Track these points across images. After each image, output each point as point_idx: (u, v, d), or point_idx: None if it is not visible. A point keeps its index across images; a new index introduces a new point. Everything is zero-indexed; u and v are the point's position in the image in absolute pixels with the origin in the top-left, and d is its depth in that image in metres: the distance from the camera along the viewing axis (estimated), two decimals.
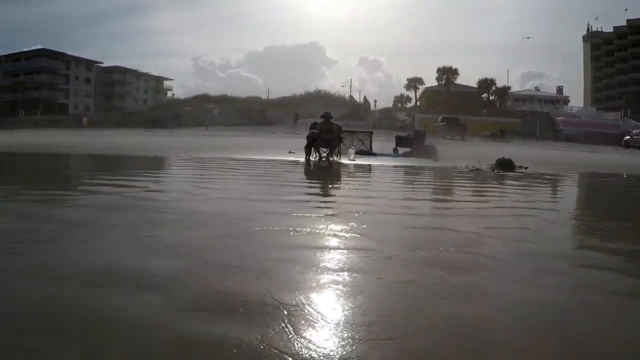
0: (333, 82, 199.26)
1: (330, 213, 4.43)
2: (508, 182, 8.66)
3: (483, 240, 3.48)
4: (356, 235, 3.49)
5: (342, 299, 2.19)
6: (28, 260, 2.68)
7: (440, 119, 42.84)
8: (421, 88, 64.58)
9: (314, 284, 2.37)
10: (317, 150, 13.12)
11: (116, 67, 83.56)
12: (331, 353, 1.65)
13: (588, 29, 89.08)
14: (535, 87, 74.15)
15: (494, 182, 8.63)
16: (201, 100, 61.20)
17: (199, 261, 2.75)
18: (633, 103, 63.86)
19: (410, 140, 18.67)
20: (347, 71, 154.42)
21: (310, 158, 12.84)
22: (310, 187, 7.05)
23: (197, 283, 2.36)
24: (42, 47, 74.79)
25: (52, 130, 41.86)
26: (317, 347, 1.69)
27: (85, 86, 79.31)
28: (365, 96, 61.28)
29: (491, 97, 63.44)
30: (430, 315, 2.02)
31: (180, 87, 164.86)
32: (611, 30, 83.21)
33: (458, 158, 15.34)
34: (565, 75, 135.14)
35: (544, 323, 1.96)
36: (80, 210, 4.43)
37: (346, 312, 2.03)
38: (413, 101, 65.79)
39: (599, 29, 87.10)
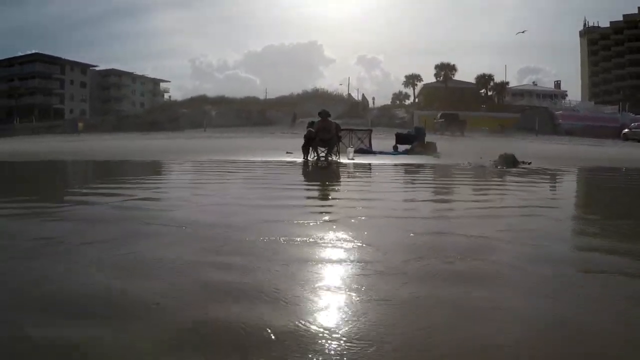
0: (331, 81, 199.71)
1: (328, 219, 4.11)
2: (513, 178, 8.35)
3: (494, 246, 3.18)
4: (357, 244, 3.18)
5: (344, 322, 1.88)
6: None
7: (439, 115, 42.64)
8: (419, 85, 64.40)
9: (313, 307, 2.06)
10: (315, 150, 12.77)
11: (112, 70, 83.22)
12: None
13: (585, 24, 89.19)
14: (533, 82, 74.04)
15: (498, 179, 8.34)
16: (198, 102, 60.89)
17: (184, 282, 2.43)
18: (630, 97, 63.85)
19: (410, 138, 18.38)
20: (345, 70, 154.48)
21: (308, 158, 12.51)
22: (307, 189, 6.74)
23: (181, 311, 2.03)
24: (36, 51, 74.34)
25: (46, 137, 41.59)
26: None
27: (80, 90, 78.92)
28: (363, 94, 61.11)
29: (489, 93, 63.24)
30: (450, 342, 1.72)
31: (178, 89, 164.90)
32: (608, 25, 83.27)
33: (459, 154, 15.07)
34: (563, 70, 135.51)
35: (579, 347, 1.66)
36: (60, 224, 4.10)
37: (351, 342, 1.72)
38: (412, 98, 65.60)
39: (596, 24, 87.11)
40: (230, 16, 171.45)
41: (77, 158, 15.44)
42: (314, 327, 1.85)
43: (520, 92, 66.37)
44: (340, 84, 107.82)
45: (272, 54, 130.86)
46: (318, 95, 58.40)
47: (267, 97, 63.75)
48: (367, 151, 16.56)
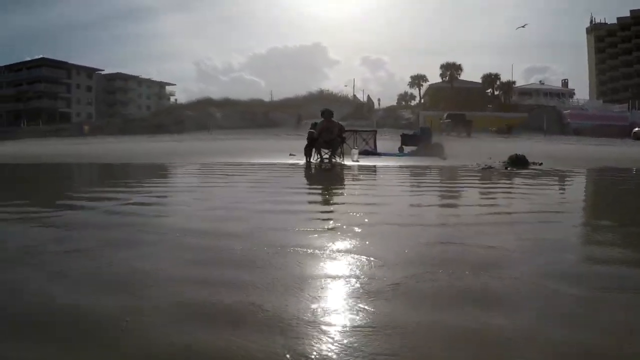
0: (336, 83, 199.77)
1: (329, 227, 3.81)
2: (524, 181, 8.02)
3: (510, 258, 2.87)
4: (357, 257, 2.88)
5: (336, 355, 1.59)
6: None
7: (445, 115, 42.31)
8: (425, 85, 63.98)
9: (305, 335, 1.77)
10: (318, 152, 12.42)
11: (117, 74, 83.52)
12: None
13: (591, 21, 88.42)
14: (540, 81, 73.43)
15: (509, 181, 8.00)
16: (203, 105, 60.96)
17: (162, 299, 2.15)
18: (638, 94, 63.09)
19: (416, 139, 18.04)
20: (350, 71, 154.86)
21: (311, 160, 12.19)
22: (308, 194, 6.43)
23: (149, 334, 1.74)
24: (43, 56, 74.78)
25: (53, 140, 41.60)
26: None
27: (86, 94, 79.30)
28: (369, 95, 60.80)
29: (496, 92, 62.76)
30: None
31: (184, 92, 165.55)
32: (615, 21, 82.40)
33: (467, 156, 14.73)
34: (569, 68, 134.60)
35: None
36: (44, 231, 3.84)
37: None
38: (417, 99, 65.21)
39: (603, 21, 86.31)
40: (234, 19, 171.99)
41: (79, 161, 15.26)
42: None
43: (527, 92, 65.79)
44: (345, 86, 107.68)
45: (277, 56, 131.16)
46: (323, 97, 58.23)
47: (272, 100, 63.67)
48: (372, 153, 16.26)
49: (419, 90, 64.87)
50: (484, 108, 54.77)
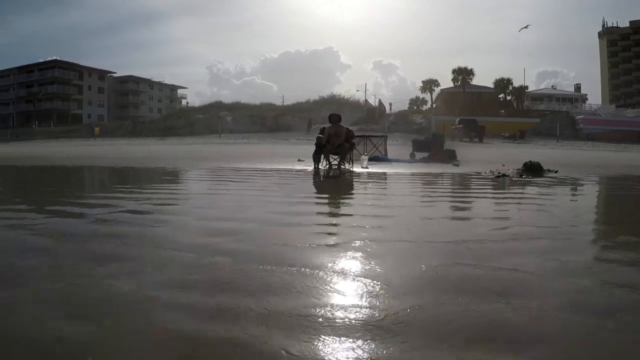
0: (348, 87, 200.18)
1: (332, 242, 3.48)
2: (541, 190, 7.63)
3: (533, 284, 2.52)
4: (363, 280, 2.55)
5: None
6: None
7: (457, 121, 41.85)
8: (437, 90, 63.49)
9: None
10: (327, 158, 12.05)
11: (129, 76, 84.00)
12: None
13: (603, 25, 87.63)
14: (552, 86, 72.79)
15: (525, 191, 7.61)
16: (214, 108, 61.03)
17: (134, 330, 1.86)
18: None
19: (428, 144, 17.64)
20: (361, 76, 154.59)
21: (320, 167, 11.85)
22: (313, 203, 6.06)
23: None
24: (55, 58, 75.35)
25: (62, 141, 41.73)
26: None
27: (98, 96, 79.80)
28: (380, 100, 60.42)
29: (508, 97, 62.14)
30: None
31: (196, 96, 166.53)
32: (627, 25, 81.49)
33: (479, 162, 14.36)
34: (582, 73, 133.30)
35: None
36: (24, 240, 3.55)
37: None
38: (429, 104, 64.73)
39: (615, 24, 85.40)
40: (246, 23, 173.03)
41: (83, 163, 15.07)
42: None
43: (539, 97, 65.11)
44: (357, 90, 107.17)
45: (289, 60, 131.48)
46: (334, 102, 58.01)
47: (283, 104, 63.57)
48: (383, 159, 15.88)
49: (431, 95, 64.42)
50: (496, 113, 54.20)
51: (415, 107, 64.89)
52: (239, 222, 4.37)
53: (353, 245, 3.36)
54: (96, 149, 29.32)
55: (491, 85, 61.46)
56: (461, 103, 55.34)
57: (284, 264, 2.82)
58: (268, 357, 1.65)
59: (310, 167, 11.92)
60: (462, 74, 59.62)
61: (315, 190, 8.12)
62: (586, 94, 68.38)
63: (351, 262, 2.92)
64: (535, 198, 6.69)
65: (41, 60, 76.87)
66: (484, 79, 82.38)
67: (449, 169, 12.87)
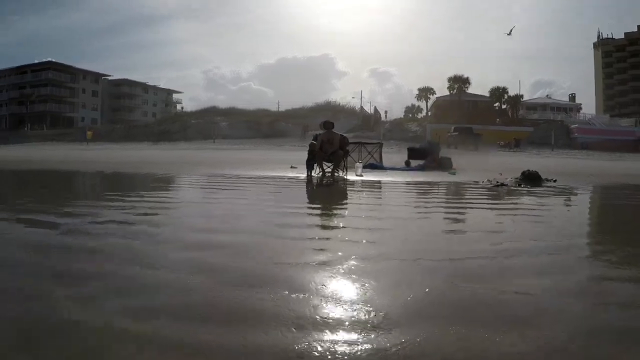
0: (344, 94, 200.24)
1: (321, 260, 3.16)
2: (541, 201, 7.35)
3: (547, 310, 2.23)
4: (355, 306, 2.25)
5: None
6: None
7: (452, 129, 41.80)
8: (432, 98, 63.61)
9: None
10: (320, 165, 11.70)
11: (124, 79, 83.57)
12: None
13: (599, 36, 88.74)
14: (547, 95, 73.39)
15: (525, 202, 7.31)
16: (209, 113, 60.78)
17: None
18: None
19: (423, 152, 17.35)
20: (358, 83, 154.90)
21: (313, 174, 11.53)
22: (303, 214, 5.71)
23: None
24: (49, 59, 74.72)
25: (54, 144, 41.29)
26: None
27: (92, 99, 79.26)
28: (375, 107, 60.30)
29: (504, 106, 62.39)
30: None
31: (192, 100, 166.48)
32: (622, 36, 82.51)
33: (476, 171, 14.12)
34: (576, 83, 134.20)
35: None
36: None
37: None
38: (424, 111, 64.87)
39: (610, 36, 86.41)
40: (244, 29, 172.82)
41: (70, 168, 14.73)
42: None
43: (534, 106, 65.65)
44: (353, 97, 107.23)
45: (286, 66, 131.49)
46: (330, 108, 57.90)
47: (279, 110, 63.43)
48: (378, 166, 15.61)
49: (426, 103, 64.56)
50: (491, 122, 54.25)
51: (410, 115, 64.98)
52: (222, 234, 4.06)
53: (345, 263, 3.06)
54: (88, 153, 28.96)
55: (487, 94, 61.61)
56: (457, 111, 55.32)
57: (268, 285, 2.52)
58: None
59: (303, 175, 11.61)
60: (458, 82, 59.81)
61: (306, 200, 7.80)
62: (580, 104, 69.04)
63: (343, 284, 2.63)
64: (537, 209, 6.40)
65: (38, 61, 76.20)
66: (479, 87, 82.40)
67: (445, 177, 12.58)
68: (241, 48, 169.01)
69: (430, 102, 64.31)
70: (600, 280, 2.82)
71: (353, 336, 1.91)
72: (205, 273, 2.77)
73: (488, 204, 7.20)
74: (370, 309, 2.21)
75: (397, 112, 68.97)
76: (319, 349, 1.79)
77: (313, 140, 12.03)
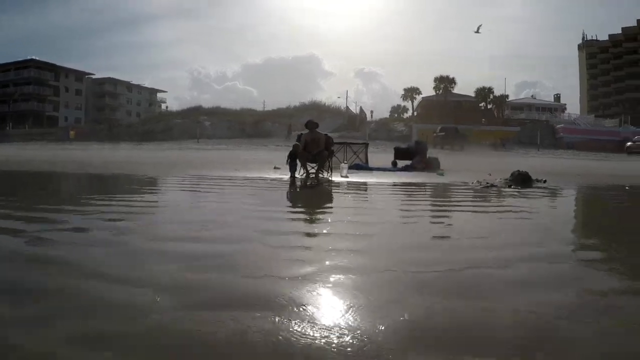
0: (329, 94, 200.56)
1: (302, 272, 2.83)
2: (534, 203, 7.12)
3: (558, 330, 1.96)
4: (336, 331, 1.93)
5: None
6: None
7: (439, 129, 41.73)
8: (418, 98, 63.71)
9: None
10: (304, 166, 11.36)
11: (108, 78, 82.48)
12: None
13: (583, 38, 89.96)
14: (532, 96, 74.13)
15: (518, 204, 7.06)
16: (194, 113, 60.16)
17: None
18: (630, 110, 63.79)
19: (410, 153, 17.09)
20: (343, 83, 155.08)
21: (296, 175, 11.19)
22: (284, 219, 5.37)
23: None
24: (32, 57, 73.38)
25: (32, 144, 40.51)
26: None
27: (75, 98, 78.04)
28: (361, 107, 60.14)
29: (489, 106, 62.73)
30: None
31: (176, 100, 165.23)
32: (606, 38, 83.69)
33: (464, 171, 13.91)
34: (560, 84, 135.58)
35: None
36: None
37: None
38: (410, 111, 64.95)
39: (594, 37, 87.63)
40: (230, 29, 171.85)
41: (45, 169, 14.26)
42: None
43: (519, 106, 66.29)
44: (339, 97, 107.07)
45: (271, 66, 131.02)
46: (315, 108, 57.62)
47: (264, 109, 63.03)
48: (363, 167, 15.33)
49: (412, 103, 64.65)
50: (477, 121, 54.41)
51: (396, 115, 64.98)
52: (193, 243, 3.69)
53: (326, 276, 2.75)
54: (68, 153, 28.35)
55: (472, 94, 61.84)
56: (442, 111, 55.39)
57: (240, 307, 2.19)
58: None
59: (287, 176, 11.26)
60: (444, 83, 60.03)
61: (288, 204, 7.47)
62: (565, 104, 69.78)
63: (323, 302, 2.32)
64: (532, 212, 6.15)
65: (21, 59, 74.65)
66: (465, 87, 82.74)
67: (433, 178, 12.33)
68: (227, 48, 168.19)
69: (416, 102, 64.42)
70: (617, 293, 2.52)
71: None
72: (169, 290, 2.44)
73: (481, 206, 6.92)
74: (356, 333, 1.91)
75: (382, 112, 68.99)
76: None
77: (297, 140, 11.69)
